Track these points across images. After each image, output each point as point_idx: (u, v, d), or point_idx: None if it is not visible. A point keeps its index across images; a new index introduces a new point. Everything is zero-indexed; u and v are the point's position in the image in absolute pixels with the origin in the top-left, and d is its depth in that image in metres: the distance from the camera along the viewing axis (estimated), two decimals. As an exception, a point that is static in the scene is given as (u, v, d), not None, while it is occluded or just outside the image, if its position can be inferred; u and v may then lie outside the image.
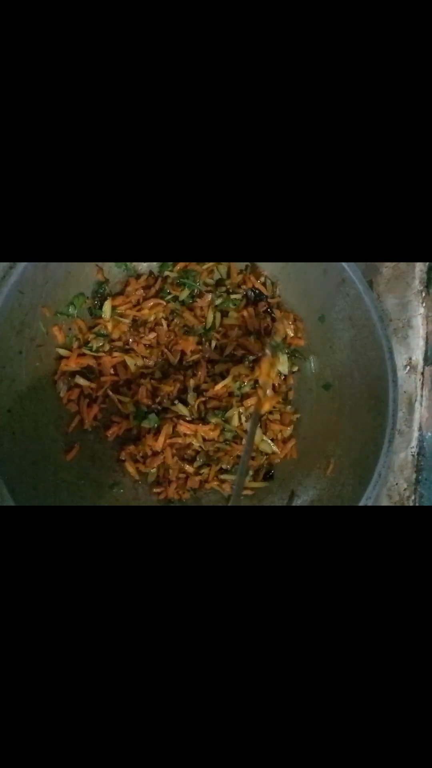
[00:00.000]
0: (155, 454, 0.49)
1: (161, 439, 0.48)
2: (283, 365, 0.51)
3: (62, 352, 0.48)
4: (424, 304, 0.52)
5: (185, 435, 0.50)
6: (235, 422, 0.51)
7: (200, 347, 0.52)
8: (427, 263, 0.52)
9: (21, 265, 0.42)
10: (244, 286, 0.53)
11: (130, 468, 0.50)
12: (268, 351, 0.49)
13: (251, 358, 0.51)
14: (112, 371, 0.50)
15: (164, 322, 0.51)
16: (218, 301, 0.52)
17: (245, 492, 0.52)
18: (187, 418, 0.50)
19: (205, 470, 0.51)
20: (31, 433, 0.45)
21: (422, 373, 0.51)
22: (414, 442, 0.50)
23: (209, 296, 0.52)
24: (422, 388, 0.51)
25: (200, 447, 0.50)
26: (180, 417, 0.50)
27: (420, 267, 0.52)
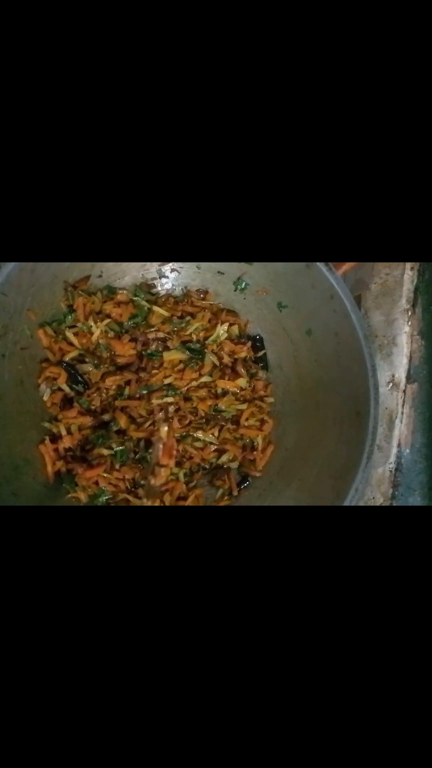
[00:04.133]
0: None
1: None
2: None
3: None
4: (409, 323, 0.52)
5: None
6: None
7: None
8: (414, 282, 0.52)
9: (6, 268, 0.41)
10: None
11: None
12: None
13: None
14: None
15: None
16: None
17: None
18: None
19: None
20: (12, 436, 0.45)
21: (404, 391, 0.52)
22: (392, 458, 0.51)
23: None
24: (403, 406, 0.52)
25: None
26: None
27: (407, 285, 0.53)
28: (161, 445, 0.44)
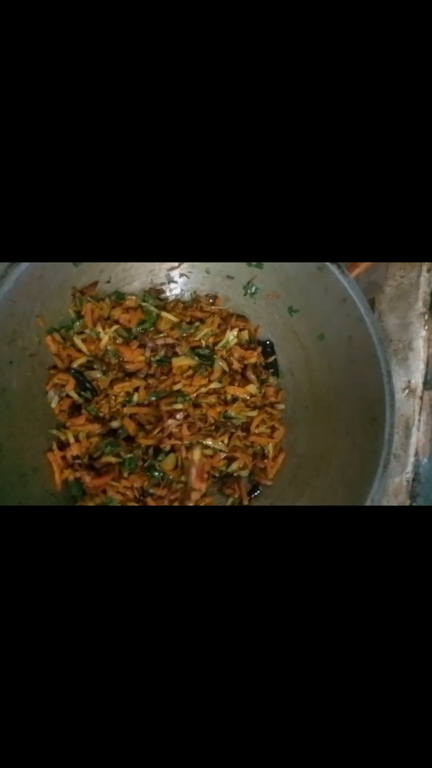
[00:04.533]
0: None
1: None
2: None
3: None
4: (426, 327, 0.51)
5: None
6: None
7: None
8: None
9: (14, 275, 0.41)
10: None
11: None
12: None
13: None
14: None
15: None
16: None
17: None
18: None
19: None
20: (20, 444, 0.45)
21: (421, 398, 0.50)
22: (409, 468, 0.49)
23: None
24: (420, 413, 0.50)
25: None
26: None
27: (424, 288, 0.51)
28: (194, 470, 0.43)
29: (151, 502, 0.48)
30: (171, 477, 0.49)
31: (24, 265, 0.41)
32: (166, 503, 0.49)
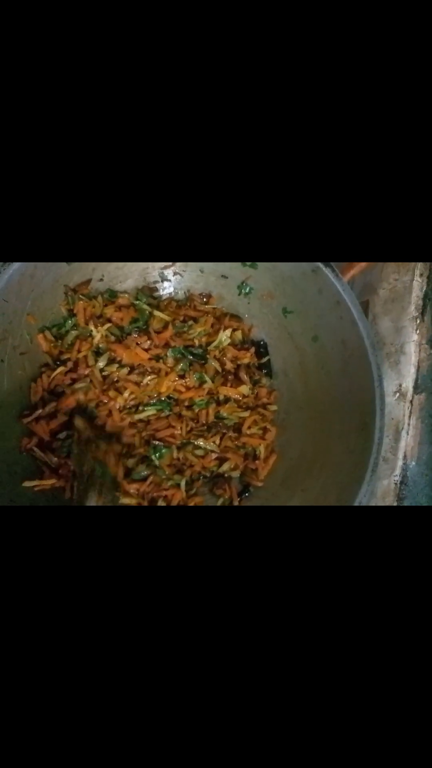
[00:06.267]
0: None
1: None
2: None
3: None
4: (418, 331, 0.51)
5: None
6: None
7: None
8: (424, 290, 0.51)
9: (5, 274, 0.40)
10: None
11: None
12: None
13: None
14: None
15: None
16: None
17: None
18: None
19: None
20: (11, 443, 0.45)
21: (411, 401, 0.50)
22: (398, 471, 0.50)
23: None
24: (410, 417, 0.50)
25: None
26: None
27: (416, 293, 0.51)
28: None
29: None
30: (166, 472, 0.49)
31: (16, 264, 0.40)
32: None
